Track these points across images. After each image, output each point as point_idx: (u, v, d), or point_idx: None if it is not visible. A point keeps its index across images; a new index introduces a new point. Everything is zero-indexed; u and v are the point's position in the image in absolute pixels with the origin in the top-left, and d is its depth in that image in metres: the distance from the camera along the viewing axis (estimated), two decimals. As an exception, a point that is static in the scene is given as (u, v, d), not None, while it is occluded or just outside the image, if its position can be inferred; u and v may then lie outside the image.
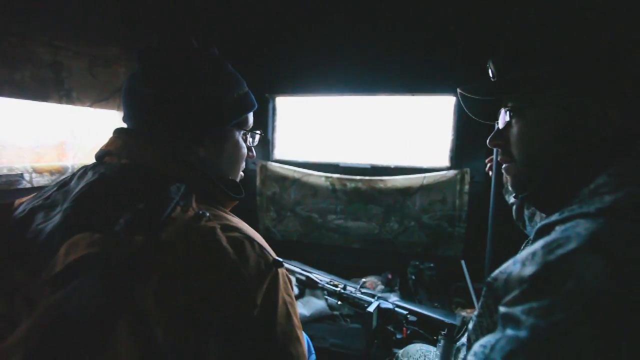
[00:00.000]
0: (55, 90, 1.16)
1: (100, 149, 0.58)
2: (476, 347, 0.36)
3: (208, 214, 0.50)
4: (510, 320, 0.34)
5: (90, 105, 1.26)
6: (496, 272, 0.43)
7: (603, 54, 0.45)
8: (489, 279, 0.44)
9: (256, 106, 0.67)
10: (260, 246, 0.52)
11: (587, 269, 0.32)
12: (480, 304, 0.47)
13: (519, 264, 0.39)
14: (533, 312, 0.33)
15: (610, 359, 0.28)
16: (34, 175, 1.17)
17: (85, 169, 0.54)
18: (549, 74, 0.49)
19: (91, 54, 1.24)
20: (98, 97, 1.28)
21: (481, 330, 0.46)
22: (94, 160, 0.58)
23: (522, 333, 0.32)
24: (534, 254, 0.37)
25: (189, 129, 0.59)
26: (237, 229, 0.52)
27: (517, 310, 0.34)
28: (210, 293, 0.44)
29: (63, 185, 0.53)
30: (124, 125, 0.62)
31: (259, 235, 0.55)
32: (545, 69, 0.49)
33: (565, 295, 0.31)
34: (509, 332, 0.34)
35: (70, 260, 0.42)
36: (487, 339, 0.36)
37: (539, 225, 0.44)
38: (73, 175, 0.54)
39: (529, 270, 0.36)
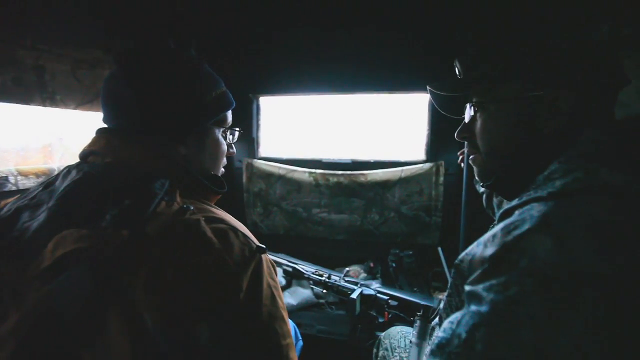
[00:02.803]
0: (39, 93, 1.14)
1: (84, 149, 0.59)
2: (445, 323, 0.39)
3: (192, 208, 0.51)
4: (473, 297, 0.37)
5: (75, 108, 1.24)
6: (462, 254, 0.45)
7: (549, 54, 0.50)
8: (456, 261, 0.47)
9: (234, 104, 0.69)
10: (244, 235, 0.53)
11: (538, 247, 0.34)
12: (449, 284, 0.50)
13: (482, 246, 0.41)
14: (492, 289, 0.35)
15: (558, 324, 0.30)
16: (19, 178, 1.15)
17: (69, 169, 0.54)
18: (507, 71, 0.53)
19: (74, 56, 1.22)
20: (82, 100, 1.26)
21: (451, 308, 0.49)
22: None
23: (484, 308, 0.34)
24: (494, 235, 0.40)
25: (170, 128, 0.59)
26: (220, 220, 0.53)
27: (479, 287, 0.36)
28: (197, 281, 0.45)
29: (48, 185, 0.53)
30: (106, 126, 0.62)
31: (242, 225, 0.56)
32: (504, 66, 0.53)
33: (520, 271, 0.34)
34: (473, 307, 0.36)
35: (58, 254, 0.42)
36: (455, 316, 0.38)
37: (501, 209, 0.45)
38: (58, 175, 0.54)
39: (489, 250, 0.38)
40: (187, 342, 0.44)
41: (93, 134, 0.61)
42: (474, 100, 0.58)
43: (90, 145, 0.59)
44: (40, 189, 0.53)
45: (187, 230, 0.48)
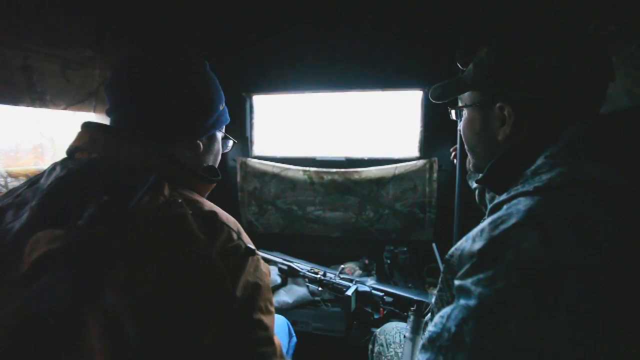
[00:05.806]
0: (27, 94, 1.12)
1: (70, 145, 0.57)
2: (436, 318, 0.40)
3: (180, 200, 0.49)
4: (462, 292, 0.37)
5: (65, 108, 1.22)
6: (452, 249, 0.46)
7: (502, 72, 0.51)
8: (446, 256, 0.47)
9: (229, 120, 0.75)
10: (231, 231, 0.51)
11: (524, 241, 0.35)
12: (440, 279, 0.50)
13: (470, 240, 0.42)
14: (480, 282, 0.36)
15: (543, 316, 0.31)
16: (9, 179, 1.14)
17: (54, 165, 0.53)
18: (475, 78, 0.56)
19: (63, 56, 1.20)
20: (72, 100, 1.24)
21: (442, 303, 0.50)
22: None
23: (472, 302, 0.35)
24: (482, 230, 0.40)
25: (192, 130, 0.63)
26: (210, 215, 0.51)
27: (468, 282, 0.37)
28: (177, 281, 0.43)
29: (33, 183, 0.52)
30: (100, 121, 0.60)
31: (233, 219, 0.54)
32: (472, 73, 0.56)
33: (506, 265, 0.35)
34: (462, 301, 0.37)
35: (34, 257, 0.41)
36: (445, 310, 0.39)
37: (491, 204, 0.46)
38: (43, 172, 0.53)
39: (477, 245, 0.39)
40: (165, 345, 0.42)
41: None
42: (457, 105, 0.63)
43: (75, 141, 0.57)
44: (26, 187, 0.52)
45: (171, 225, 0.46)
